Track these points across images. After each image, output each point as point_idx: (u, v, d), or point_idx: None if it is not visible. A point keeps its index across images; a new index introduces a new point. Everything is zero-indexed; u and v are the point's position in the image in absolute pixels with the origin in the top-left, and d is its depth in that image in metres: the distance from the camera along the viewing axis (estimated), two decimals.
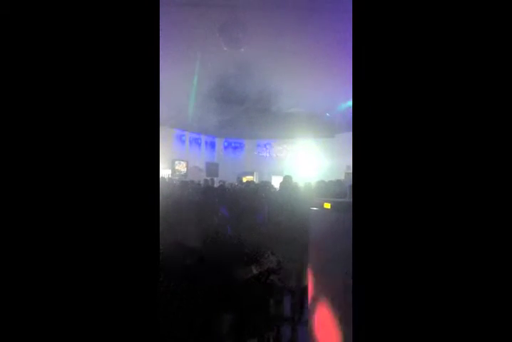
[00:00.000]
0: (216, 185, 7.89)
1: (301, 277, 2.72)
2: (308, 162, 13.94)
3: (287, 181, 4.76)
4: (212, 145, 15.93)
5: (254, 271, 2.46)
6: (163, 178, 7.91)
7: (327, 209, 2.01)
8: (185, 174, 13.21)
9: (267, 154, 15.55)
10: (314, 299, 2.24)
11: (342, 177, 10.19)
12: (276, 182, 10.91)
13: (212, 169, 14.79)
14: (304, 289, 2.59)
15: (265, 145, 15.74)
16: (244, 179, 8.65)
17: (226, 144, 16.13)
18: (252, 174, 14.35)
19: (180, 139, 13.92)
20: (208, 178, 9.43)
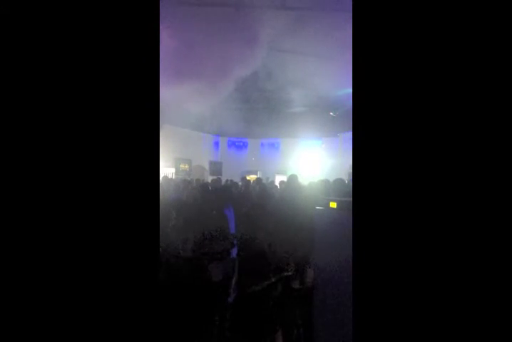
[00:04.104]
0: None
1: (306, 277, 2.70)
2: (312, 161, 13.92)
3: (292, 180, 4.71)
4: (216, 144, 15.95)
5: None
6: (165, 176, 7.92)
7: (333, 208, 2.00)
8: (189, 173, 13.23)
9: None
10: (319, 299, 2.23)
11: (346, 176, 10.17)
12: (279, 181, 10.92)
13: (215, 168, 14.81)
14: (310, 289, 2.58)
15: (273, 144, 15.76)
16: (248, 178, 8.64)
17: (230, 143, 16.15)
18: (255, 173, 14.35)
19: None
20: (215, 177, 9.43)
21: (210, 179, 10.46)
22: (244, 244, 2.63)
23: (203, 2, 6.20)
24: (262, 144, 16.06)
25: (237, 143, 16.17)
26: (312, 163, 13.79)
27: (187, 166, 13.56)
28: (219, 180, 7.97)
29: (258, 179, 6.99)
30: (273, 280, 2.56)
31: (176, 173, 12.52)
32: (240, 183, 7.05)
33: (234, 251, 2.98)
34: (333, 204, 2.01)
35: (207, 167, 14.69)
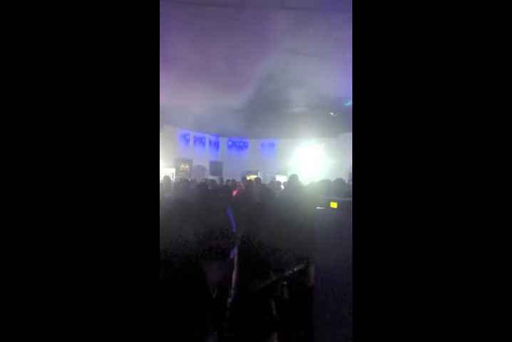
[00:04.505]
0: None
1: (307, 277, 2.70)
2: (312, 161, 13.91)
3: (293, 180, 4.71)
4: (216, 144, 15.95)
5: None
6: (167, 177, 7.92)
7: (334, 208, 1.99)
8: (189, 173, 13.23)
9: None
10: (320, 299, 2.22)
11: (346, 176, 10.16)
12: (275, 181, 10.89)
13: (216, 168, 14.80)
14: (310, 289, 2.57)
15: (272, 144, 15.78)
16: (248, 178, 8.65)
17: (230, 143, 16.15)
18: (256, 173, 14.33)
19: (184, 138, 13.95)
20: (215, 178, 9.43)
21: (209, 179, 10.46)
22: (245, 242, 2.63)
23: (203, 2, 6.19)
24: (262, 145, 16.05)
25: (237, 143, 16.17)
26: (312, 163, 13.77)
27: (187, 166, 13.56)
28: (216, 181, 7.99)
29: (257, 179, 7.00)
30: (274, 279, 2.56)
31: (176, 173, 12.52)
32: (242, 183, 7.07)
33: (234, 251, 2.98)
34: (334, 204, 2.01)
35: (207, 167, 14.68)
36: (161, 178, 8.05)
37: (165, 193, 5.60)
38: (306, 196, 3.75)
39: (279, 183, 8.58)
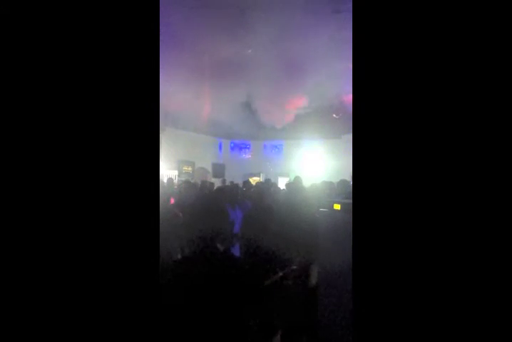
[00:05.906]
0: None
1: (311, 278, 2.69)
2: (314, 163, 13.90)
3: (296, 182, 4.71)
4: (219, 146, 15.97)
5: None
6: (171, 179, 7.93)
7: (337, 210, 1.98)
8: (192, 175, 13.24)
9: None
10: (323, 300, 2.21)
11: (348, 178, 10.15)
12: (282, 183, 10.92)
13: (218, 170, 14.80)
14: (314, 290, 2.57)
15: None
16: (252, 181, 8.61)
17: (232, 145, 16.16)
18: (258, 175, 14.32)
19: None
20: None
21: (212, 181, 10.47)
22: (250, 242, 2.63)
23: (203, 4, 6.23)
24: (265, 146, 16.04)
25: (240, 145, 16.17)
26: (315, 165, 13.76)
27: (190, 168, 13.58)
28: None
29: (267, 181, 6.93)
30: (277, 279, 2.55)
31: (179, 175, 12.53)
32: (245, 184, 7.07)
33: (237, 251, 2.97)
34: (337, 206, 1.99)
35: (210, 169, 14.69)
36: (164, 180, 8.09)
37: (168, 195, 5.58)
38: (309, 197, 3.74)
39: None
